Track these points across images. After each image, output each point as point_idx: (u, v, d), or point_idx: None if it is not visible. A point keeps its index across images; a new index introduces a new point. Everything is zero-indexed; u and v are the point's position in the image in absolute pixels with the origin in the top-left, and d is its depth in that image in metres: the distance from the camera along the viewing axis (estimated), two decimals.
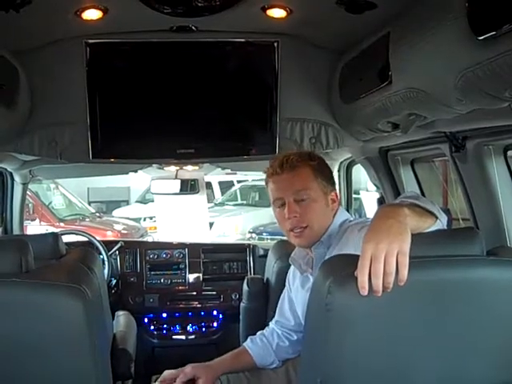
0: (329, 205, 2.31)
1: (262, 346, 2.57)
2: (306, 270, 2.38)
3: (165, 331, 4.19)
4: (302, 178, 2.27)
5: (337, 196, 2.37)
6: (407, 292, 1.68)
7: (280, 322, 2.60)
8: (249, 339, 2.62)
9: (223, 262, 4.33)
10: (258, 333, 2.65)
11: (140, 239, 9.16)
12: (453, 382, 1.74)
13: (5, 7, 2.15)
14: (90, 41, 2.91)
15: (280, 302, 2.64)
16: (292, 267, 2.55)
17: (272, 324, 2.63)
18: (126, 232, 10.77)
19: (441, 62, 1.88)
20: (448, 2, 1.78)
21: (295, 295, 2.50)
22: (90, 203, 15.25)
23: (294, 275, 2.54)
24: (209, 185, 13.77)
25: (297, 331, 2.52)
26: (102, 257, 3.95)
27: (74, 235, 4.40)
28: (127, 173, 4.96)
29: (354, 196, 4.59)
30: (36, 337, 1.82)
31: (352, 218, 2.37)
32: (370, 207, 3.96)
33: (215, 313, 4.22)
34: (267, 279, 3.50)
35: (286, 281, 2.61)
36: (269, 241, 8.94)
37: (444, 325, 1.71)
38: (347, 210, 3.50)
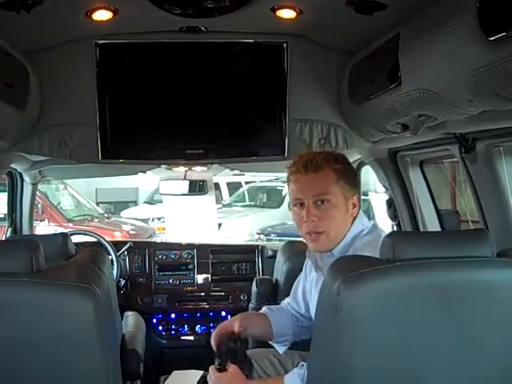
0: (349, 210, 2.28)
1: (281, 314, 2.58)
2: (320, 268, 2.36)
3: (173, 332, 4.20)
4: (324, 181, 2.24)
5: (358, 200, 2.32)
6: (417, 292, 1.69)
7: (291, 304, 2.61)
8: (265, 307, 2.64)
9: (232, 262, 4.33)
10: (272, 306, 2.66)
11: (148, 240, 9.17)
12: (464, 381, 1.73)
13: (16, 8, 2.16)
14: (100, 41, 2.91)
15: (295, 284, 2.64)
16: (309, 262, 2.52)
17: (285, 303, 2.64)
18: (134, 233, 10.80)
19: (451, 62, 1.87)
20: (458, 2, 1.78)
21: (310, 290, 2.49)
22: (98, 204, 15.27)
23: (311, 267, 2.50)
24: (217, 186, 13.77)
25: (307, 318, 2.52)
26: (110, 257, 3.95)
27: (82, 235, 4.41)
28: (136, 173, 4.97)
29: (362, 197, 4.58)
30: (46, 336, 1.83)
31: (366, 229, 2.30)
32: (379, 209, 3.96)
33: (224, 313, 4.21)
34: (276, 280, 3.50)
35: (304, 267, 2.59)
36: (277, 242, 8.93)
37: (454, 325, 1.70)
38: None
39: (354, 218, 2.30)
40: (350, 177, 2.31)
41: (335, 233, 2.26)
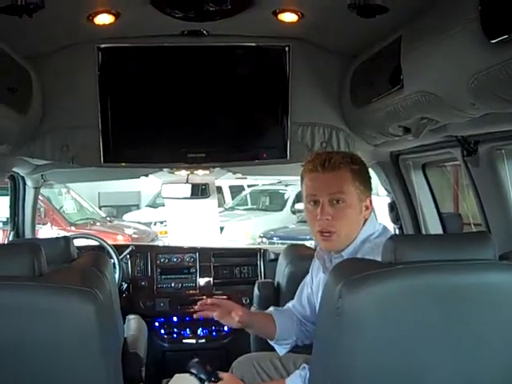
0: (362, 212, 2.28)
1: (287, 318, 2.57)
2: (328, 269, 2.34)
3: (175, 335, 4.19)
4: (341, 180, 2.24)
5: (371, 203, 2.32)
6: (419, 295, 1.68)
7: (296, 307, 2.61)
8: (273, 307, 2.63)
9: (234, 266, 4.33)
10: (279, 308, 2.66)
11: (151, 243, 9.18)
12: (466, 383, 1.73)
13: (18, 12, 2.15)
14: (102, 45, 2.92)
15: (301, 286, 2.64)
16: (317, 262, 2.51)
17: (289, 306, 2.63)
18: (136, 236, 10.80)
19: (453, 65, 1.87)
20: (460, 5, 1.78)
21: (317, 292, 2.48)
22: (100, 207, 15.29)
23: (318, 268, 2.50)
24: (219, 189, 13.78)
25: (312, 322, 2.51)
26: (113, 261, 3.95)
27: (85, 239, 4.41)
28: (138, 177, 4.96)
29: None
30: (48, 339, 1.82)
31: (377, 232, 2.30)
32: (381, 212, 3.95)
33: None
34: (278, 283, 3.50)
35: (310, 269, 2.59)
36: (279, 245, 8.93)
37: (456, 328, 1.70)
38: None
39: (366, 221, 2.30)
40: (365, 178, 2.32)
41: (347, 233, 2.26)
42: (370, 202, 2.32)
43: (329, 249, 2.33)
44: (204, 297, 4.22)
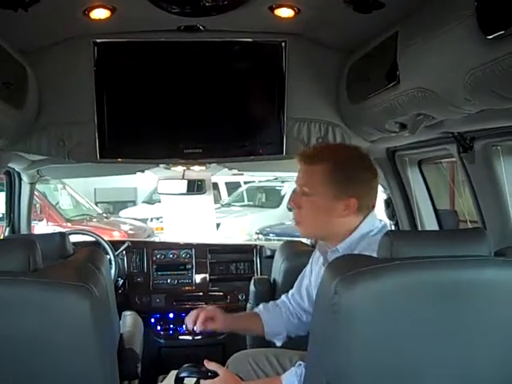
0: (335, 210, 2.20)
1: (274, 314, 2.59)
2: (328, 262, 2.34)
3: (171, 331, 4.20)
4: (311, 175, 2.26)
5: (354, 204, 2.20)
6: (415, 291, 1.68)
7: (295, 297, 2.61)
8: (261, 305, 2.64)
9: (230, 262, 4.33)
10: (271, 302, 2.66)
11: (147, 239, 9.17)
12: (461, 379, 1.73)
13: (14, 6, 2.15)
14: (98, 40, 2.91)
15: (301, 276, 2.63)
16: (317, 253, 2.50)
17: (286, 297, 2.64)
18: (132, 232, 10.79)
19: (449, 61, 1.87)
20: (456, 1, 1.78)
21: (315, 285, 2.47)
22: (96, 204, 15.27)
23: (318, 259, 2.50)
24: (215, 186, 13.77)
25: (308, 312, 2.52)
26: (108, 257, 3.95)
27: (81, 235, 4.40)
28: (134, 173, 4.96)
29: None
30: (43, 335, 1.82)
31: (376, 229, 2.24)
32: (377, 208, 3.95)
33: None
34: (274, 280, 3.50)
35: (310, 261, 2.59)
36: (275, 241, 8.92)
37: (452, 324, 1.70)
38: None
39: (365, 217, 2.26)
40: (350, 178, 2.23)
41: (312, 227, 2.32)
42: (355, 203, 2.21)
43: (302, 235, 2.48)
44: (200, 293, 4.24)
